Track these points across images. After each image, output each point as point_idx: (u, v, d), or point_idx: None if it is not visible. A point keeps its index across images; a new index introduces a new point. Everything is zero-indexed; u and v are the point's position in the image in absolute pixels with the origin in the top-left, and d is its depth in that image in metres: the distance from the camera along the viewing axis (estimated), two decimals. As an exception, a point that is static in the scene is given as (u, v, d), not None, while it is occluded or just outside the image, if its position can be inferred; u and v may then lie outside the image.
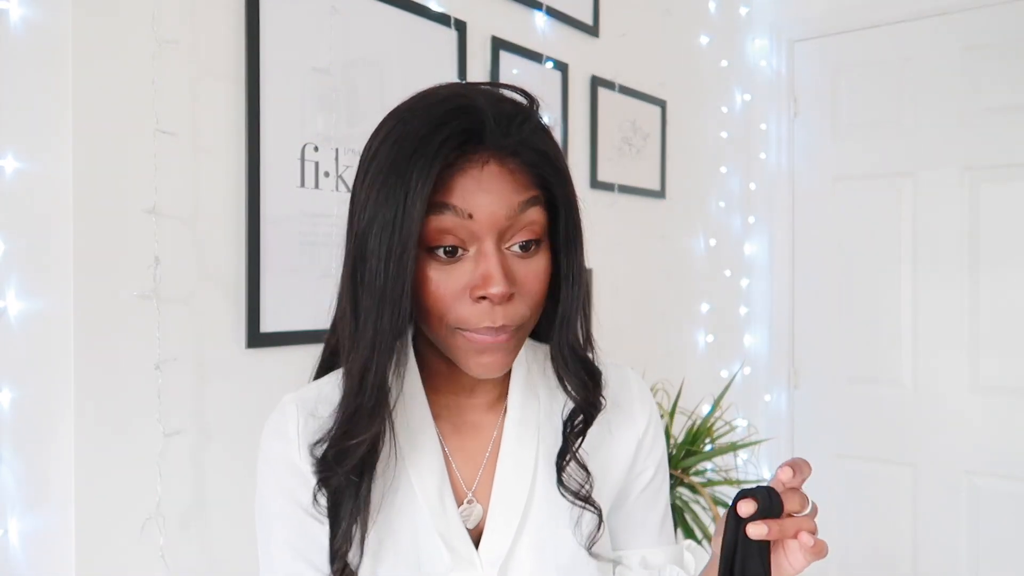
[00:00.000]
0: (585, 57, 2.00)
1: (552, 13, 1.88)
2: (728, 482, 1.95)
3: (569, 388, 0.73)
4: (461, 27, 1.61)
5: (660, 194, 2.30)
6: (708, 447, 2.03)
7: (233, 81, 1.24)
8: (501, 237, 0.66)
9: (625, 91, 2.13)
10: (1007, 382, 2.29)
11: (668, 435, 2.02)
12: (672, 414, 2.03)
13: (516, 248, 0.67)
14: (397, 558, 0.71)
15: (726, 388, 2.19)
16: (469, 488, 0.75)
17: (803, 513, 0.66)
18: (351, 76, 1.39)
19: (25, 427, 1.03)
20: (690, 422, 2.06)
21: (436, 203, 0.64)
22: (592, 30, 2.01)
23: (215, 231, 1.22)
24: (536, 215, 0.68)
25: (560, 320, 0.72)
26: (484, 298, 0.65)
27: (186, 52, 1.18)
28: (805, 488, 0.71)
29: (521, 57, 1.77)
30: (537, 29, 1.84)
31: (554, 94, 1.88)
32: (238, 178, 1.25)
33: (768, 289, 2.75)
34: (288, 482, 0.72)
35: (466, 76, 1.62)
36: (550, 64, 1.86)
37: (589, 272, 2.00)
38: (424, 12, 1.53)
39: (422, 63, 1.51)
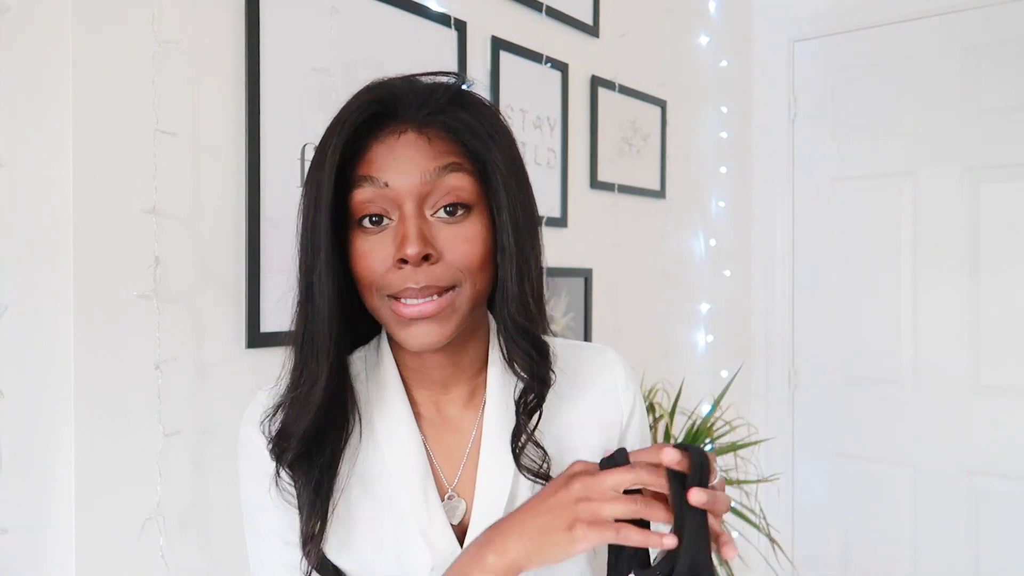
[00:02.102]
0: (585, 57, 2.00)
1: (552, 13, 1.88)
2: (728, 482, 1.95)
3: (516, 364, 0.72)
4: (461, 27, 1.61)
5: (660, 194, 2.30)
6: (708, 447, 2.03)
7: (233, 81, 1.24)
8: (422, 203, 0.67)
9: (625, 91, 2.13)
10: (1007, 382, 2.29)
11: (668, 436, 2.02)
12: (672, 414, 2.03)
13: (441, 213, 0.68)
14: (377, 555, 0.72)
15: (726, 388, 2.19)
16: (451, 484, 0.76)
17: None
18: (351, 76, 1.39)
19: (25, 427, 1.03)
20: (690, 422, 2.06)
21: (357, 177, 0.67)
22: (592, 30, 2.01)
23: (215, 231, 1.22)
24: (459, 181, 0.68)
25: (499, 293, 0.71)
26: (405, 262, 0.66)
27: (186, 52, 1.17)
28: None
29: (521, 57, 1.77)
30: (537, 29, 1.84)
31: (554, 94, 1.88)
32: (238, 178, 1.25)
33: (768, 289, 2.75)
34: (263, 467, 0.73)
35: (466, 76, 1.62)
36: (550, 64, 1.86)
37: (588, 271, 2.00)
38: (424, 12, 1.53)
39: (422, 63, 1.50)
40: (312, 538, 0.70)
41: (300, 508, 0.70)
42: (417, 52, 1.51)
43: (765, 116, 2.74)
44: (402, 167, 0.67)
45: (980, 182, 2.34)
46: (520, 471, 0.73)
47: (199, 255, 1.20)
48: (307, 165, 1.33)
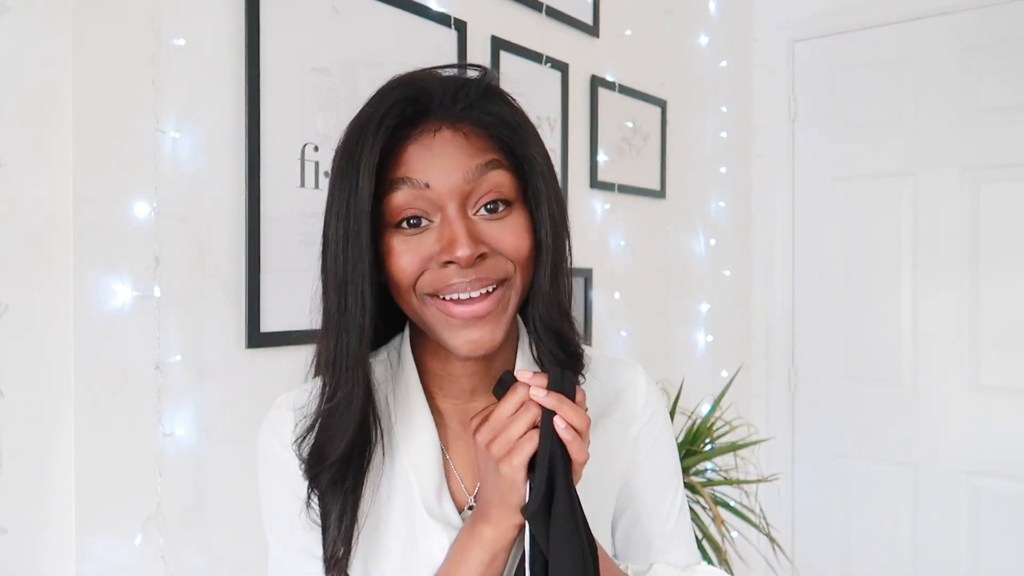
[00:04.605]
0: (585, 57, 2.00)
1: (552, 13, 1.88)
2: (728, 482, 1.95)
3: (545, 365, 0.70)
4: (461, 27, 1.61)
5: (660, 194, 2.30)
6: (708, 447, 2.03)
7: (233, 81, 1.24)
8: (464, 203, 0.64)
9: (625, 91, 2.13)
10: (1007, 382, 2.29)
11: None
12: (672, 414, 2.03)
13: (483, 212, 0.65)
14: (397, 566, 0.71)
15: (726, 388, 2.19)
16: (471, 494, 0.74)
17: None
18: (351, 76, 1.39)
19: (25, 427, 1.03)
20: (690, 422, 2.06)
21: (393, 179, 0.64)
22: (592, 30, 2.01)
23: (215, 231, 1.22)
24: (500, 178, 0.65)
25: (533, 292, 0.68)
26: (451, 263, 0.63)
27: (186, 52, 1.17)
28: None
29: (521, 57, 1.77)
30: (537, 29, 1.84)
31: (554, 94, 1.88)
32: (238, 178, 1.25)
33: (768, 289, 2.75)
34: (288, 482, 0.71)
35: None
36: (550, 64, 1.86)
37: (588, 271, 2.00)
38: (424, 12, 1.53)
39: (422, 63, 1.50)
40: (337, 562, 0.68)
41: (324, 530, 0.68)
42: (417, 52, 1.51)
43: (765, 116, 2.73)
44: (443, 166, 0.63)
45: (980, 182, 2.34)
46: None
47: (199, 255, 1.20)
48: (307, 165, 1.33)
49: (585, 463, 0.65)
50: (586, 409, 0.65)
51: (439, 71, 0.69)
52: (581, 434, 0.63)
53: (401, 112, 0.64)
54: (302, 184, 1.33)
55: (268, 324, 1.27)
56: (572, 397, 0.64)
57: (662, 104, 2.29)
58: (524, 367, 0.74)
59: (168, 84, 1.15)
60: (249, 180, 1.25)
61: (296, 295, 1.31)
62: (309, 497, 0.69)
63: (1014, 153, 2.28)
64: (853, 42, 2.55)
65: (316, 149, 1.34)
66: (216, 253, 1.22)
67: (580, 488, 0.66)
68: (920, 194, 2.44)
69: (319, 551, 0.69)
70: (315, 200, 1.34)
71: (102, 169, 1.09)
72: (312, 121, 1.34)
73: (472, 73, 0.69)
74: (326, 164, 1.36)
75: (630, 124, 2.16)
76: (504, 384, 0.66)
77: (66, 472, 1.06)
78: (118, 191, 1.10)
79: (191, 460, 1.19)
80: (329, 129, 1.36)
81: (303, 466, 0.68)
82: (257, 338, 1.26)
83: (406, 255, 0.64)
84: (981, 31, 2.32)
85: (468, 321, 0.65)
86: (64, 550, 1.06)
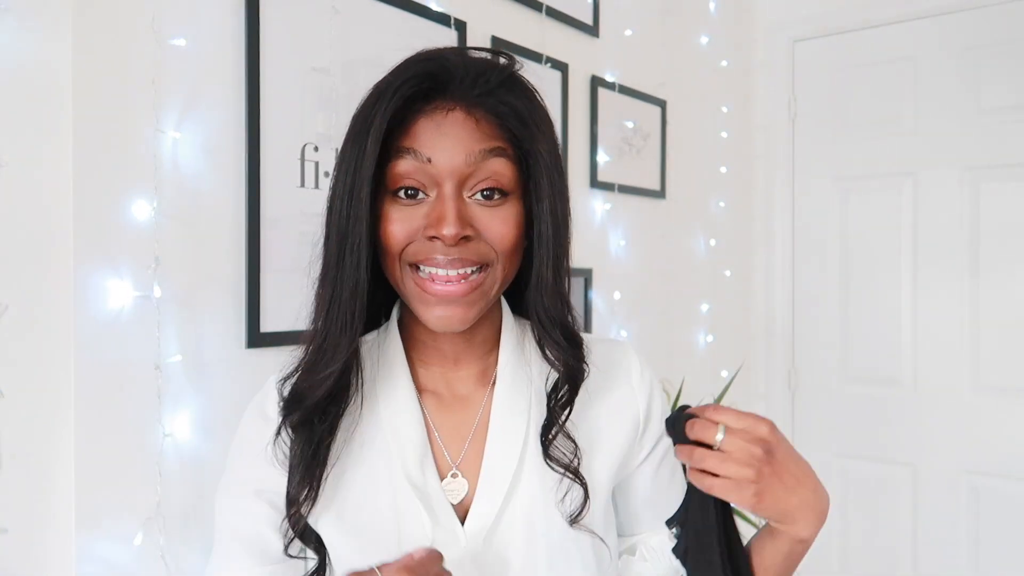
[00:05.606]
0: (585, 57, 2.00)
1: (552, 13, 1.88)
2: (728, 482, 1.94)
3: (549, 354, 0.73)
4: (461, 27, 1.61)
5: (660, 194, 2.30)
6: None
7: (233, 81, 1.24)
8: (462, 184, 0.67)
9: (625, 91, 2.13)
10: (1007, 382, 2.29)
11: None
12: (672, 414, 2.03)
13: (479, 196, 0.68)
14: (376, 526, 0.71)
15: (726, 388, 2.19)
16: (454, 462, 0.74)
17: (716, 439, 0.69)
18: (351, 76, 1.39)
19: (25, 427, 1.03)
20: (690, 422, 2.05)
21: (398, 147, 0.67)
22: (592, 30, 2.01)
23: (215, 231, 1.22)
24: (500, 166, 0.68)
25: (533, 282, 0.71)
26: (436, 238, 0.66)
27: (186, 52, 1.17)
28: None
29: (521, 57, 1.77)
30: (537, 29, 1.84)
31: (554, 94, 1.88)
32: (238, 178, 1.25)
33: (768, 289, 2.75)
34: (256, 469, 0.73)
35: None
36: (550, 64, 1.86)
37: (588, 271, 2.00)
38: (424, 12, 1.53)
39: (422, 63, 1.51)
40: (299, 503, 0.69)
41: (291, 471, 0.70)
42: (417, 52, 1.51)
43: (765, 116, 2.73)
44: (448, 145, 0.66)
45: (980, 182, 2.34)
46: (548, 463, 0.72)
47: (199, 255, 1.20)
48: (307, 165, 1.33)
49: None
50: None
51: (467, 52, 0.71)
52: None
53: (418, 85, 0.67)
54: (302, 184, 1.32)
55: (268, 324, 1.27)
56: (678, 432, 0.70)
57: (662, 104, 2.29)
58: (509, 347, 0.77)
59: (168, 84, 1.15)
60: (249, 180, 1.25)
61: (296, 295, 1.31)
62: (279, 432, 0.71)
63: (1014, 153, 2.28)
64: (853, 42, 2.55)
65: (316, 149, 1.34)
66: (216, 253, 1.22)
67: (587, 464, 0.74)
68: (920, 194, 2.44)
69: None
70: (315, 200, 1.34)
71: (102, 169, 1.09)
72: (312, 121, 1.34)
73: (499, 60, 0.71)
74: (326, 164, 1.36)
75: (630, 124, 2.16)
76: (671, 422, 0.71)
77: (66, 472, 1.06)
78: (118, 191, 1.10)
79: (191, 460, 1.19)
80: (329, 129, 1.36)
81: (281, 403, 0.71)
82: (257, 338, 1.26)
83: (397, 223, 0.67)
84: (981, 31, 2.32)
85: (442, 299, 0.67)
86: (64, 550, 1.06)
